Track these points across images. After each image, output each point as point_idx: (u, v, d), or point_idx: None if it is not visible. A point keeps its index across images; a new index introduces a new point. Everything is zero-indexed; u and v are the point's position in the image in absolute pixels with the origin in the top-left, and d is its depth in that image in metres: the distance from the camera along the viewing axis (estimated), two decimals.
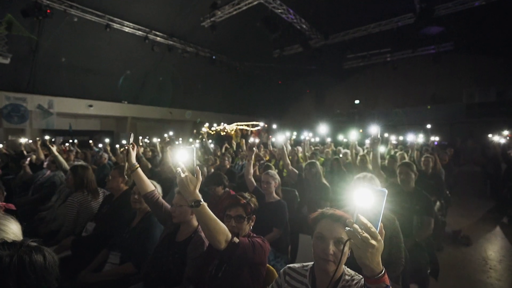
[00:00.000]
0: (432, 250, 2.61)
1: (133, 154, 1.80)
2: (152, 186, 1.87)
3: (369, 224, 0.76)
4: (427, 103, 15.80)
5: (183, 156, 1.19)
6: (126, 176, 2.48)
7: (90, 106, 12.74)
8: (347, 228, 0.77)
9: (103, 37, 10.14)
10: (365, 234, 0.75)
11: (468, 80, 14.70)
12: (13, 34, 8.44)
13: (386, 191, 0.76)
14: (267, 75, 16.51)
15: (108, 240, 2.15)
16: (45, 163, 3.98)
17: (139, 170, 1.79)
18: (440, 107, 15.40)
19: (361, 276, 1.11)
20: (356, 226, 0.76)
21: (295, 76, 17.11)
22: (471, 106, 14.49)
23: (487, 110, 13.93)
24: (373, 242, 0.75)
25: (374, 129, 2.69)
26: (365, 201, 0.77)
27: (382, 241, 0.77)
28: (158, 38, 11.15)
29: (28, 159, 3.95)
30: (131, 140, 1.89)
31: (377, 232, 0.76)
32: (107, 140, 6.96)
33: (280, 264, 2.16)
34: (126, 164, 1.80)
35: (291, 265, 1.26)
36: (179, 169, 1.16)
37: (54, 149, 3.59)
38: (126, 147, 1.80)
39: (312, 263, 1.20)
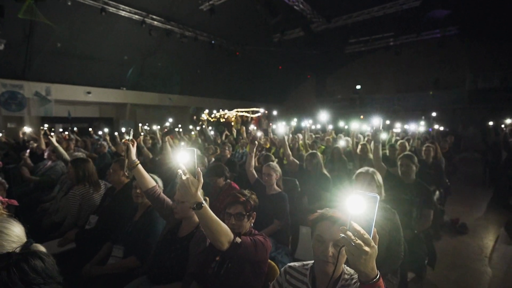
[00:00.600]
0: (430, 241, 2.66)
1: (133, 151, 1.78)
2: (153, 181, 1.87)
3: (362, 231, 0.76)
4: (430, 89, 15.61)
5: (184, 158, 1.17)
6: (126, 173, 2.48)
7: (89, 93, 12.58)
8: (342, 235, 0.77)
9: (99, 21, 9.84)
10: (359, 241, 0.75)
11: (472, 65, 14.44)
12: (5, 19, 8.17)
13: (378, 197, 0.76)
14: (267, 60, 16.18)
15: (111, 233, 2.18)
16: (46, 153, 3.98)
17: (140, 166, 1.78)
18: (442, 93, 15.22)
19: None
20: (349, 233, 0.76)
21: (295, 61, 16.77)
22: (474, 92, 14.31)
23: (490, 96, 13.77)
24: (367, 248, 0.75)
25: (376, 121, 2.66)
26: (357, 207, 0.77)
27: (376, 247, 0.78)
28: (155, 23, 10.83)
29: (28, 150, 3.93)
30: (131, 135, 1.87)
31: (371, 238, 0.77)
32: (105, 130, 6.93)
33: (281, 256, 2.20)
34: (126, 160, 1.79)
35: (291, 264, 1.28)
36: (180, 171, 1.15)
37: (53, 139, 3.57)
38: (126, 143, 1.78)
39: (313, 261, 1.22)
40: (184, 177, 1.14)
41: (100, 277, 1.84)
